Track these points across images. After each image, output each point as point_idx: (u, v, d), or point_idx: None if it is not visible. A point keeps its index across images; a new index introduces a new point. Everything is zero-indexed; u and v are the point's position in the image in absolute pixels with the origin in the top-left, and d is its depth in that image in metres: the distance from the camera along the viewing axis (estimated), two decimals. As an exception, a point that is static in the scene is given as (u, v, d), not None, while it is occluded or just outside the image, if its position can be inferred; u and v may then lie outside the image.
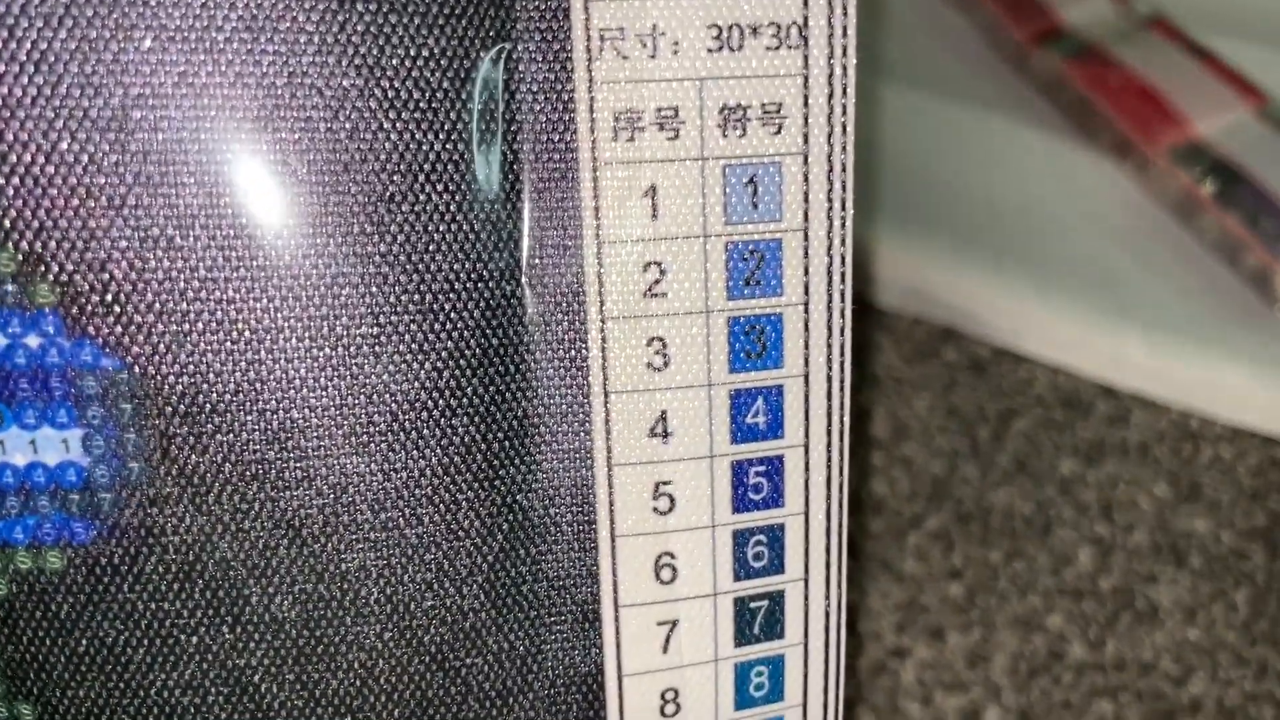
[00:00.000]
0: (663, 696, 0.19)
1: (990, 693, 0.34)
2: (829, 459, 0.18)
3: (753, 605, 0.19)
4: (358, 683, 0.18)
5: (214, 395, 0.17)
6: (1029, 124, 0.40)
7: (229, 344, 0.17)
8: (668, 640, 0.18)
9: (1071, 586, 0.36)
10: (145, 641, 0.17)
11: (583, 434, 0.18)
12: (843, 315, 0.18)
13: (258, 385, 0.17)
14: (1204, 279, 0.39)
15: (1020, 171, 0.40)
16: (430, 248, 0.17)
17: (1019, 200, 0.40)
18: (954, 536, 0.37)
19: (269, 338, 0.17)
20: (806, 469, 0.18)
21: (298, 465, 0.17)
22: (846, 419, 0.18)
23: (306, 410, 0.17)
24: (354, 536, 0.17)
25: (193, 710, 0.18)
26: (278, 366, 0.17)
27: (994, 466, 0.38)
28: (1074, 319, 0.39)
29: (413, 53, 0.16)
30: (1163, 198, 0.40)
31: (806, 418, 0.18)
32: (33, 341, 0.16)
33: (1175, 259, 0.39)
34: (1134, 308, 0.39)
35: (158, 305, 0.16)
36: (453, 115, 0.16)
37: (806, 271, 0.18)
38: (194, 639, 0.17)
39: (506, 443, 0.18)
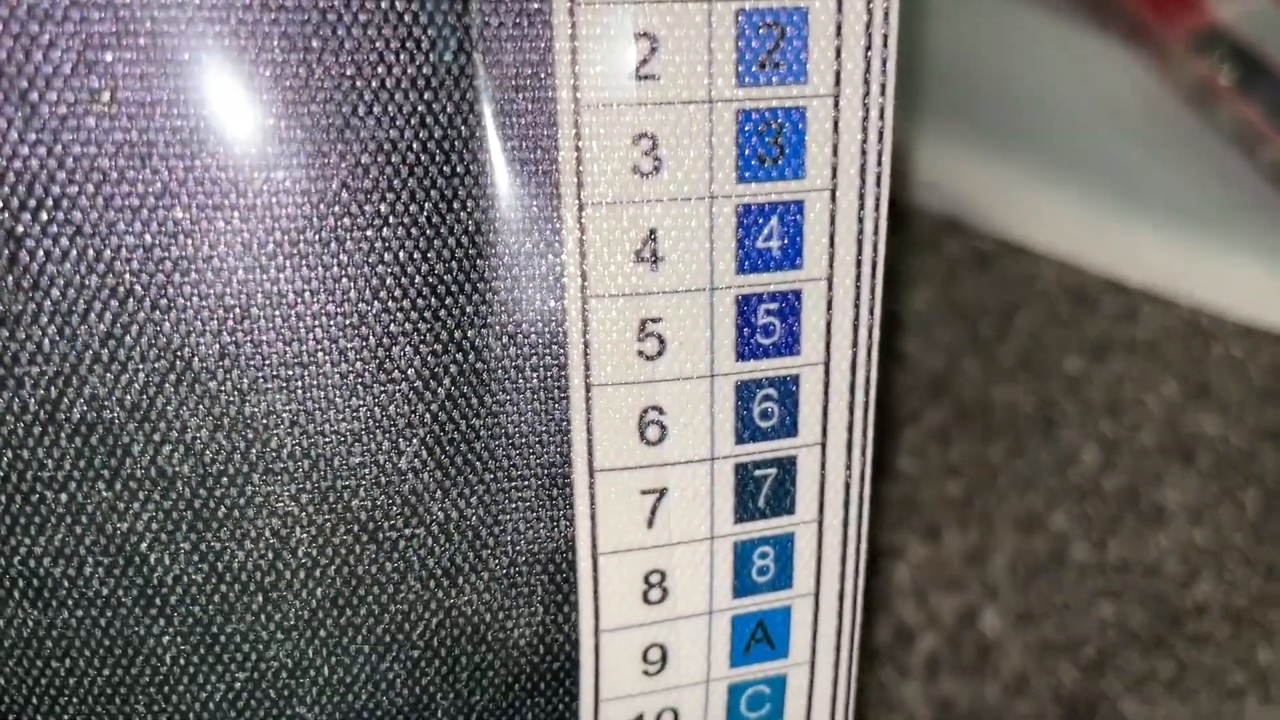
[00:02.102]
0: (646, 580, 0.14)
1: (988, 593, 0.30)
2: (858, 295, 0.14)
3: (758, 473, 0.14)
4: (270, 555, 0.13)
5: (74, 185, 0.12)
6: (1040, 8, 0.35)
7: (93, 118, 0.12)
8: (653, 512, 0.14)
9: (1074, 486, 0.31)
10: (2, 500, 0.13)
11: (551, 256, 0.13)
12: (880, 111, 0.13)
13: (131, 172, 0.12)
14: (1219, 171, 0.34)
15: (1030, 57, 0.35)
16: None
17: (1028, 87, 0.35)
18: (953, 433, 0.32)
19: (146, 111, 0.12)
20: (829, 308, 0.14)
21: (185, 280, 0.12)
22: (880, 249, 0.14)
23: (195, 209, 0.12)
24: (260, 374, 0.13)
25: (66, 583, 0.13)
26: (156, 150, 0.12)
27: (996, 362, 0.34)
28: (1083, 211, 0.35)
29: None
30: (1179, 86, 0.35)
31: (832, 244, 0.13)
32: None
33: (1190, 150, 0.34)
34: (1146, 200, 0.34)
35: None
36: None
37: (839, 53, 0.13)
38: (63, 496, 0.13)
39: (454, 263, 0.13)
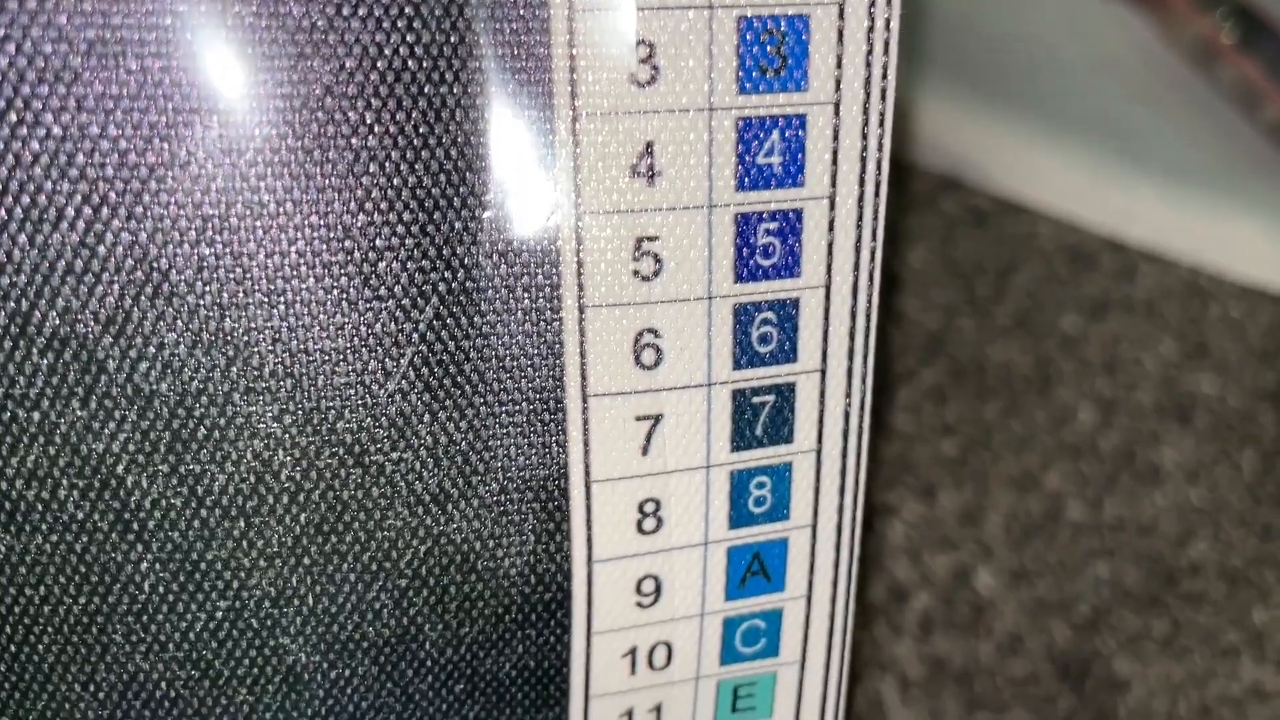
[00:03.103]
0: (640, 509, 0.14)
1: (981, 552, 0.30)
2: (861, 215, 0.13)
3: (756, 400, 0.14)
4: (251, 479, 0.13)
5: (44, 85, 0.11)
6: (1041, -34, 0.35)
7: (64, 14, 0.11)
8: (648, 439, 0.13)
9: (1070, 445, 0.31)
10: (-30, 418, 0.12)
11: (544, 170, 0.12)
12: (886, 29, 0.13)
13: (104, 72, 0.11)
14: (1220, 129, 0.34)
15: (1030, 13, 0.35)
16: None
17: (1028, 44, 0.35)
18: (948, 392, 0.32)
19: (120, 7, 0.11)
20: (831, 228, 0.13)
21: (161, 188, 0.12)
22: (885, 167, 0.13)
23: (171, 112, 0.11)
24: (240, 288, 0.12)
25: (40, 507, 0.12)
26: (130, 49, 0.11)
27: (992, 321, 0.33)
28: (1082, 169, 0.34)
29: None
30: (1180, 44, 0.34)
31: (835, 161, 0.13)
32: None
33: (1191, 108, 0.34)
34: (1146, 158, 0.34)
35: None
36: None
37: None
38: (35, 415, 0.12)
39: (442, 176, 0.12)
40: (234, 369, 0.12)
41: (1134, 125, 0.34)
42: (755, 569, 0.14)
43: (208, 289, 0.12)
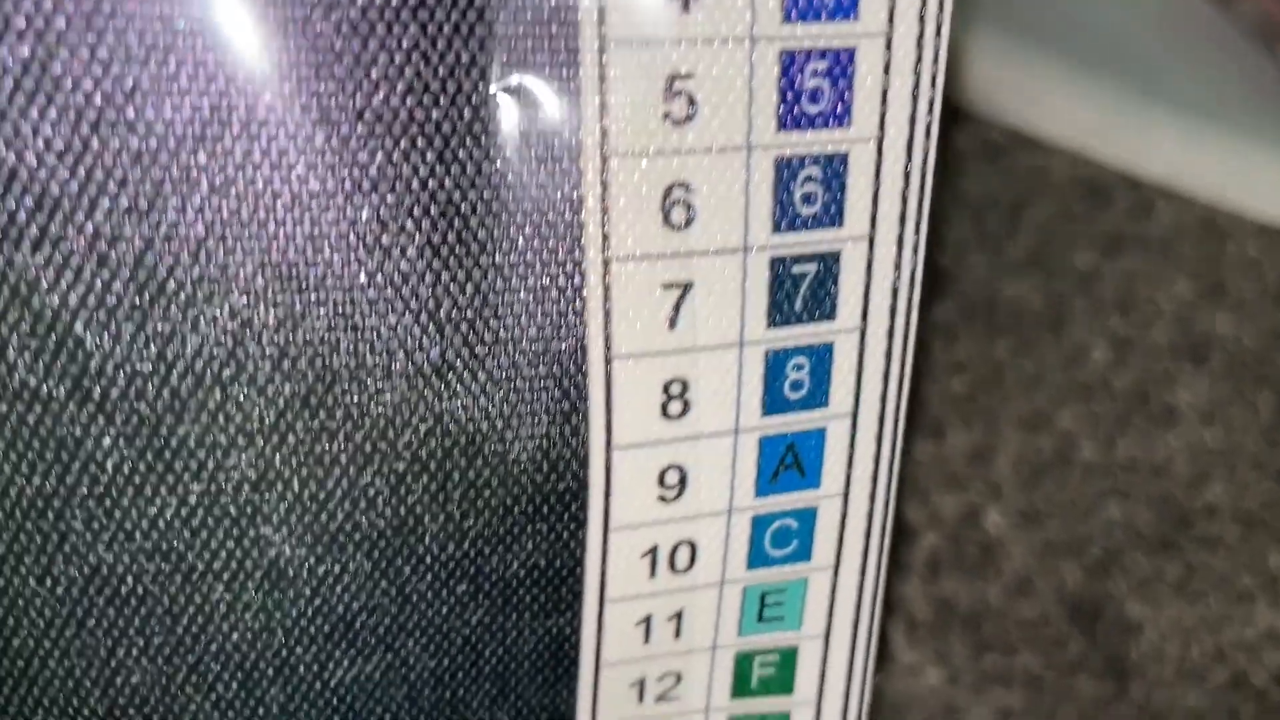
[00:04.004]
0: (666, 390, 0.12)
1: (991, 492, 0.28)
2: (919, 57, 0.11)
3: (796, 270, 0.12)
4: (228, 342, 0.11)
5: None
6: (1056, -105, 0.33)
7: None
8: (676, 310, 0.12)
9: (1083, 384, 0.30)
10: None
11: (566, -5, 0.11)
12: None
13: None
14: (1238, 63, 0.32)
15: (1045, -56, 0.33)
16: None
17: (1042, -26, 0.33)
18: (958, 329, 0.30)
19: None
20: (887, 70, 0.11)
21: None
22: (948, 4, 0.11)
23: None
24: (214, 116, 0.10)
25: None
26: None
27: (1004, 258, 0.32)
28: (1098, 102, 0.32)
29: None
30: (1199, -23, 0.33)
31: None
32: None
33: (1209, 42, 0.32)
34: (1163, 92, 0.32)
35: None
36: None
37: None
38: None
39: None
40: (207, 212, 0.11)
41: (1151, 58, 0.32)
42: (789, 462, 0.13)
43: (177, 114, 0.10)
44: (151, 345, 0.11)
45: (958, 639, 0.26)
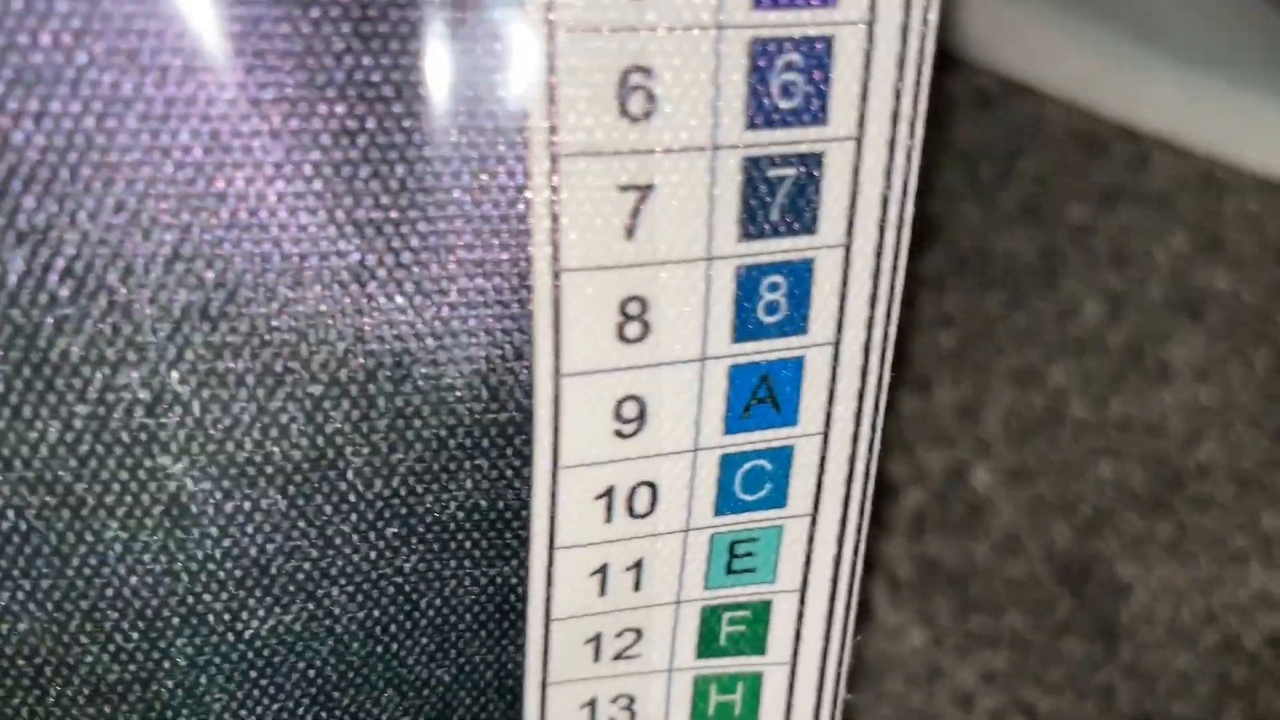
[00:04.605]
0: (622, 309, 0.10)
1: (979, 449, 0.27)
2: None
3: (773, 173, 0.10)
4: (113, 237, 0.09)
5: None
6: None
7: None
8: (635, 216, 0.10)
9: (1075, 339, 0.28)
10: None
11: None
12: None
13: None
14: (1241, 13, 0.31)
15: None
16: None
17: (1041, -85, 0.31)
18: (948, 281, 0.29)
19: None
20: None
21: None
22: None
23: None
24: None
25: None
26: None
27: (997, 209, 0.30)
28: (1094, 50, 0.31)
29: None
30: (1204, -80, 0.31)
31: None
32: None
33: (1213, -12, 0.31)
34: (1162, 41, 0.31)
35: None
36: None
37: None
38: None
39: None
40: (84, 88, 0.09)
41: (1150, 4, 0.31)
42: (763, 395, 0.11)
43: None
44: (25, 243, 0.09)
45: (942, 599, 0.25)
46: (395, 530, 0.11)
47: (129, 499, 0.10)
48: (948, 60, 0.34)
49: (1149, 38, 0.30)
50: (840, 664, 0.13)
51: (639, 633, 0.12)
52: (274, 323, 0.10)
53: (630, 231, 0.10)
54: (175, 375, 0.10)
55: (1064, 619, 0.25)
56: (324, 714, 0.12)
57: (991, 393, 0.28)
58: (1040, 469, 0.27)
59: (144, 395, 0.10)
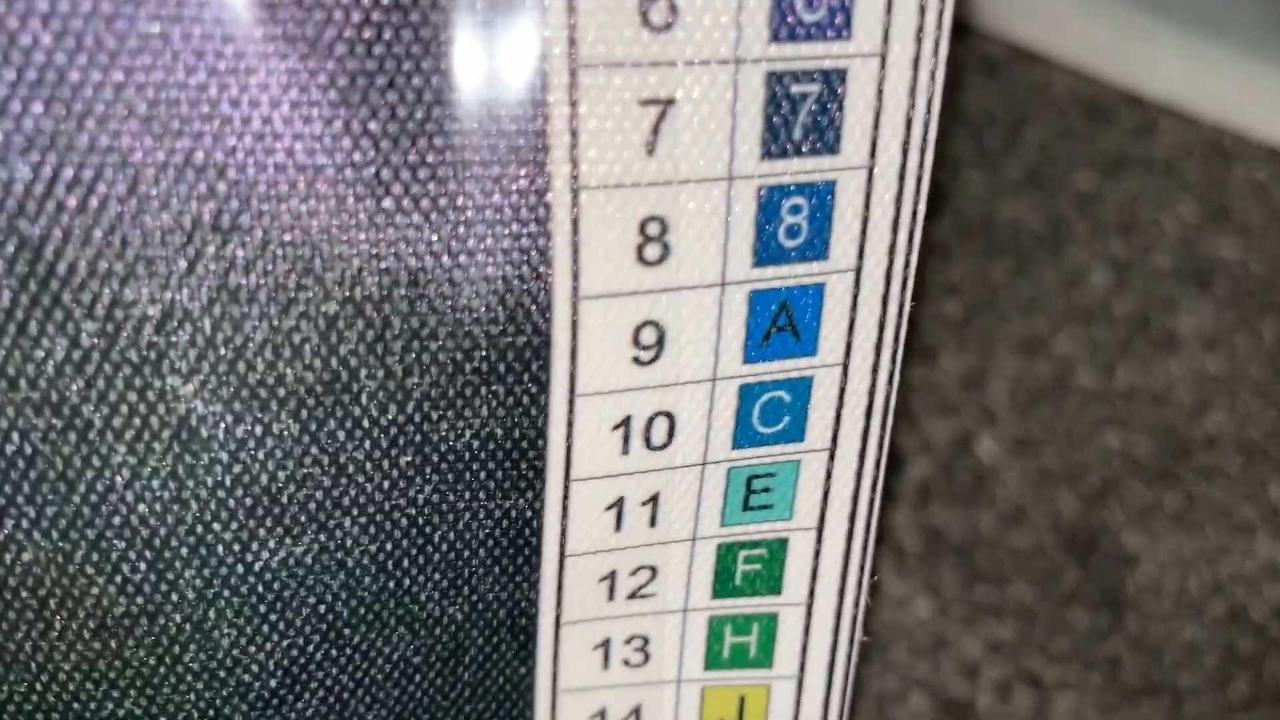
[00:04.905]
0: (642, 229, 0.10)
1: (984, 419, 0.27)
2: None
3: (796, 90, 0.10)
4: (125, 140, 0.09)
5: None
6: None
7: None
8: (656, 132, 0.10)
9: (1081, 308, 0.28)
10: None
11: None
12: None
13: None
14: (1251, -19, 0.30)
15: None
16: None
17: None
18: (953, 249, 0.29)
19: None
20: None
21: None
22: None
23: None
24: None
25: None
26: None
27: (1002, 176, 0.30)
28: (1101, 17, 0.31)
29: None
30: (1211, -112, 0.31)
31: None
32: None
33: (1220, -44, 0.31)
34: (1169, 8, 0.30)
35: None
36: None
37: None
38: None
39: None
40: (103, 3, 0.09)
41: (1159, -28, 0.31)
42: (782, 323, 0.11)
43: None
44: (33, 150, 0.09)
45: (948, 570, 0.25)
46: (409, 459, 0.11)
47: (137, 421, 0.10)
48: (955, 27, 0.34)
49: (1156, 4, 0.30)
50: (857, 605, 0.13)
51: (654, 570, 0.12)
52: (287, 237, 0.10)
53: (651, 148, 0.10)
54: (185, 291, 0.10)
55: (1070, 589, 0.25)
56: (334, 651, 0.12)
57: (997, 362, 0.28)
58: (1046, 439, 0.27)
59: (153, 312, 0.10)
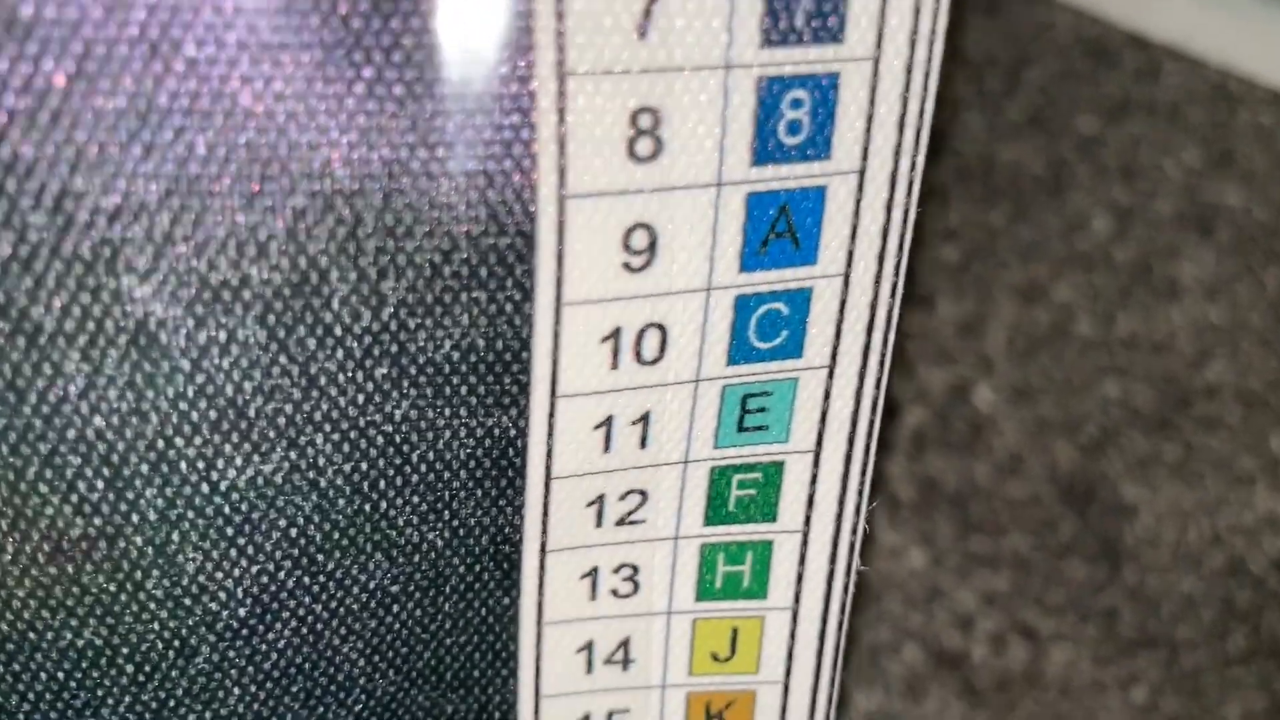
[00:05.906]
0: (634, 121, 0.09)
1: (982, 366, 0.26)
2: None
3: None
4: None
5: None
6: None
7: None
8: (647, 15, 0.09)
9: (1082, 255, 0.28)
10: None
11: None
12: None
13: None
14: (1259, -82, 0.30)
15: None
16: None
17: None
18: (951, 193, 0.28)
19: None
20: None
21: None
22: None
23: None
24: None
25: None
26: None
27: (1002, 119, 0.29)
28: (1106, -45, 0.30)
29: None
30: None
31: None
32: None
33: (1229, -108, 0.30)
34: (1176, -54, 0.30)
35: None
36: None
37: None
38: None
39: None
40: None
41: (1165, -91, 0.30)
42: (781, 228, 0.10)
43: None
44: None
45: (943, 520, 0.25)
46: (384, 371, 0.10)
47: (90, 325, 0.09)
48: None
49: (1161, -55, 0.30)
50: (855, 531, 0.12)
51: (644, 495, 0.12)
52: (250, 122, 0.09)
53: (643, 31, 0.09)
54: (140, 181, 0.09)
55: (1067, 541, 0.25)
56: (306, 579, 0.11)
57: (995, 309, 0.27)
58: (1044, 387, 0.26)
59: (106, 204, 0.09)
